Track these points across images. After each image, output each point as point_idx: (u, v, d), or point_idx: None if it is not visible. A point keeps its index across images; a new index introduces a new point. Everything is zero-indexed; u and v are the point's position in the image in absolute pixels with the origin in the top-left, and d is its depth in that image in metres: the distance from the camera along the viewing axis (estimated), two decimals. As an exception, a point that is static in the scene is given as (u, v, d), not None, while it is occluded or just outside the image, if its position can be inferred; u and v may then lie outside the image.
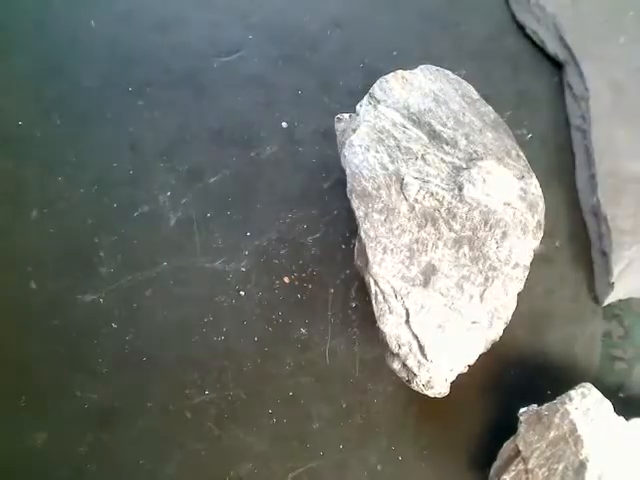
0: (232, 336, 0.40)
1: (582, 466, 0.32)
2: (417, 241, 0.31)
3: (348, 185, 0.32)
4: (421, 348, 0.30)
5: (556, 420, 0.33)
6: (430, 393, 0.31)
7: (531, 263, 0.34)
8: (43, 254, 0.43)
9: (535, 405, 0.35)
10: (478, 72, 0.47)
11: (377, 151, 0.33)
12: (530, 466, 0.32)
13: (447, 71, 0.39)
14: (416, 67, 0.39)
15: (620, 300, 0.41)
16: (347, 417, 0.39)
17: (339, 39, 0.49)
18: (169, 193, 0.44)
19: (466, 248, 0.31)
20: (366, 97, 0.36)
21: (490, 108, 0.38)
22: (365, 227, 0.31)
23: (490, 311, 0.32)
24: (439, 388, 0.31)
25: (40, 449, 0.38)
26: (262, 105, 0.47)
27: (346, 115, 0.38)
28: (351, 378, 0.39)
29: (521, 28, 0.50)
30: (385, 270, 0.30)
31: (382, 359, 0.35)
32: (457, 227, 0.31)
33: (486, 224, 0.32)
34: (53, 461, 0.38)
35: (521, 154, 0.36)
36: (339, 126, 0.38)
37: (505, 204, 0.33)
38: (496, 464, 0.35)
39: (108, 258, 0.42)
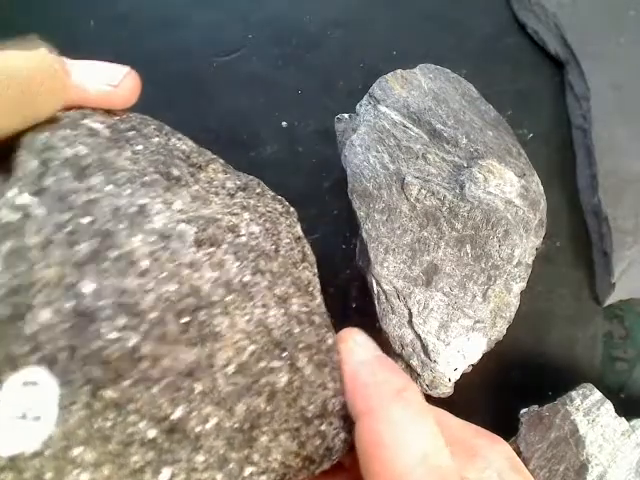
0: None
1: (583, 467, 0.32)
2: (419, 241, 0.31)
3: (349, 185, 0.32)
4: (424, 348, 0.30)
5: (557, 421, 0.33)
6: (434, 393, 0.31)
7: (532, 262, 0.34)
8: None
9: (536, 406, 0.35)
10: (478, 72, 0.46)
11: (378, 151, 0.32)
12: (531, 467, 0.32)
13: (447, 70, 0.39)
14: (416, 67, 0.38)
15: (621, 300, 0.41)
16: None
17: (339, 39, 0.49)
18: (169, 193, 0.44)
19: (468, 247, 0.31)
20: (366, 97, 0.36)
21: (490, 106, 0.38)
22: (367, 227, 0.31)
23: (493, 310, 0.32)
24: (443, 388, 0.31)
25: None
26: (262, 105, 0.47)
27: (346, 115, 0.38)
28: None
29: (522, 27, 0.49)
30: (387, 270, 0.30)
31: (383, 359, 0.35)
32: (459, 226, 0.31)
33: (488, 222, 0.31)
34: None
35: (522, 152, 0.36)
36: (339, 126, 0.37)
37: (507, 202, 0.32)
38: (497, 465, 0.35)
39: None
